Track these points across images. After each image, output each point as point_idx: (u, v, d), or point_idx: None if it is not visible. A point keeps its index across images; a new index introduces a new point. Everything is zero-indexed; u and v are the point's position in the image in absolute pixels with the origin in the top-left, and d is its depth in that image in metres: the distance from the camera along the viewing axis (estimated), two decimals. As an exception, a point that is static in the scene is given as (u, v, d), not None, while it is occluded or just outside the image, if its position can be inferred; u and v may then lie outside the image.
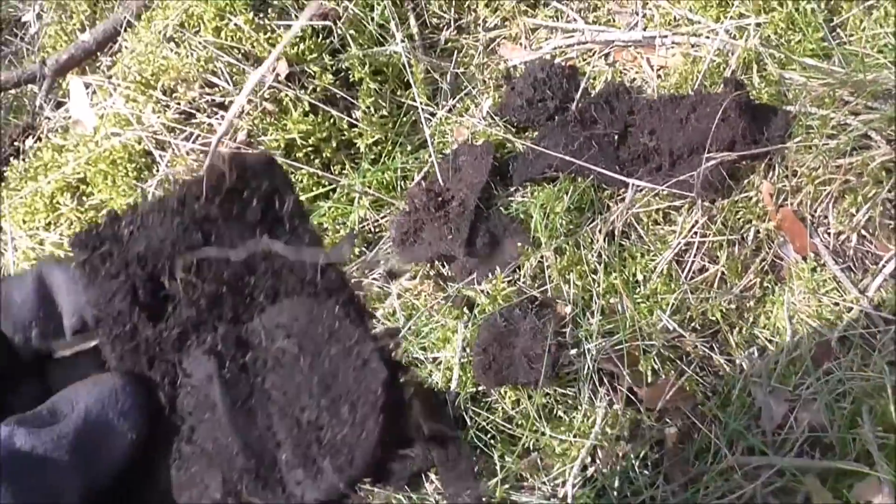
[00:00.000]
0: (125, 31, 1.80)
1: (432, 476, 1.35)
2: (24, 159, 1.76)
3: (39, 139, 1.78)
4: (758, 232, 1.51)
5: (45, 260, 0.51)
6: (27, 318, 0.49)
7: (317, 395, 0.47)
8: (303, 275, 0.51)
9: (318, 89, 1.62)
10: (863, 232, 1.49)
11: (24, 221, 1.67)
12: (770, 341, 1.48)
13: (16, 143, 1.78)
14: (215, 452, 0.47)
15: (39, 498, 0.42)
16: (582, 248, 1.52)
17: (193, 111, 1.62)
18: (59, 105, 1.82)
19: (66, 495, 0.43)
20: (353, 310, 0.50)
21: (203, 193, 0.51)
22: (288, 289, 0.51)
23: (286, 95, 1.60)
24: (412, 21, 1.76)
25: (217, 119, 1.60)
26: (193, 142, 1.62)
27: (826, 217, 1.50)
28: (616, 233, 1.54)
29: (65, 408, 0.45)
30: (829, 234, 1.50)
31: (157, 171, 1.63)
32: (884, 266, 1.47)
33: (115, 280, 0.49)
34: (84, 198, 1.68)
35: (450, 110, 1.71)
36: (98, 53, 1.83)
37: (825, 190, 1.48)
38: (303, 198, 1.62)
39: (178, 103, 1.61)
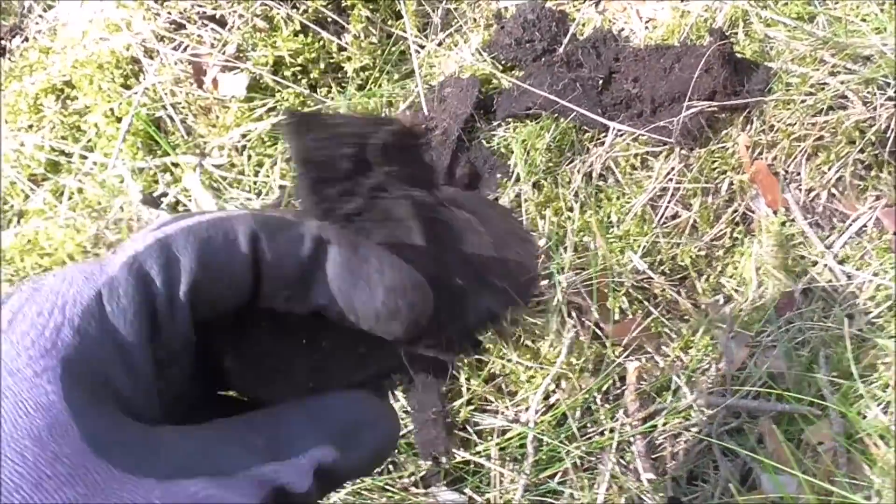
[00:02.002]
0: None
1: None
2: (9, 59, 1.74)
3: (27, 39, 1.77)
4: (731, 183, 1.54)
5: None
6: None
7: (491, 250, 0.55)
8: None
9: (310, 10, 1.62)
10: (833, 190, 1.53)
11: (7, 122, 1.66)
12: (736, 290, 1.51)
13: (2, 42, 1.76)
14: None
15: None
16: (559, 185, 1.54)
17: (184, 21, 1.62)
18: (48, 7, 1.80)
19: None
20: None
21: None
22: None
23: (277, 13, 1.60)
24: (407, -46, 1.77)
25: (207, 31, 1.60)
26: (182, 52, 1.62)
27: (799, 173, 1.54)
28: (594, 174, 1.56)
29: (366, 430, 0.45)
30: (800, 189, 1.54)
31: (144, 78, 1.62)
32: (850, 224, 1.51)
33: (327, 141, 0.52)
34: (68, 101, 1.67)
35: (439, 44, 1.72)
36: (90, -39, 1.82)
37: (799, 146, 1.51)
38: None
39: (169, 12, 1.61)
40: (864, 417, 1.32)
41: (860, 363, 1.37)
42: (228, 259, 0.41)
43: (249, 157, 1.62)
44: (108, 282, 0.38)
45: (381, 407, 0.46)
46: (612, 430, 1.39)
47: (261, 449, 0.39)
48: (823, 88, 1.50)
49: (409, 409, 1.38)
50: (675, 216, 1.55)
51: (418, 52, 1.68)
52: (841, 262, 1.48)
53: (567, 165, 1.56)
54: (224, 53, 1.59)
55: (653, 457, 1.39)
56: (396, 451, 0.41)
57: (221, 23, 1.63)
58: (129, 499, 0.33)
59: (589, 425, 1.40)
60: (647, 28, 1.70)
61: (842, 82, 1.49)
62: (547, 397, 1.42)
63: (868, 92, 1.49)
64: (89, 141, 1.65)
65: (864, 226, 1.50)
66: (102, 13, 1.63)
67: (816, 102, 1.49)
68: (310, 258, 0.43)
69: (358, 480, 1.34)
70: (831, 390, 1.34)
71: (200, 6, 1.60)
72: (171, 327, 0.39)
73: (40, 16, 1.77)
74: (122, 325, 0.37)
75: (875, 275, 1.44)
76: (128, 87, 1.63)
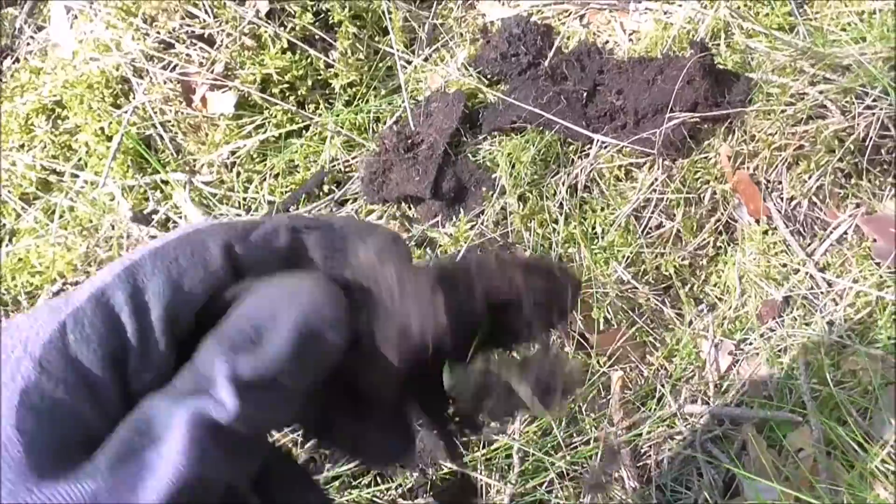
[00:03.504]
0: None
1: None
2: (1, 80, 1.77)
3: (18, 60, 1.80)
4: (714, 193, 1.56)
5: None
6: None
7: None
8: None
9: (297, 28, 1.65)
10: (814, 198, 1.55)
11: (-2, 142, 1.69)
12: (720, 298, 1.53)
13: (-6, 63, 1.79)
14: None
15: (266, 421, 0.40)
16: (545, 198, 1.56)
17: (173, 41, 1.64)
18: (39, 29, 1.83)
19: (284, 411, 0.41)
20: None
21: None
22: None
23: (265, 31, 1.63)
24: (394, -30, 1.80)
25: (196, 50, 1.63)
26: (171, 71, 1.64)
27: (780, 182, 1.56)
28: (579, 186, 1.58)
29: (268, 323, 0.39)
30: (781, 198, 1.56)
31: (134, 97, 1.65)
32: (831, 232, 1.53)
33: None
34: (59, 121, 1.70)
35: (426, 59, 1.75)
36: (81, -20, 1.85)
37: (780, 155, 1.53)
38: (275, 134, 1.66)
39: (158, 32, 1.64)
40: (844, 423, 1.34)
41: (840, 370, 1.39)
42: (202, 274, 0.41)
43: (238, 173, 1.65)
44: (73, 312, 0.39)
45: (289, 286, 0.41)
46: (596, 440, 1.41)
47: (187, 394, 0.38)
48: (803, 98, 1.52)
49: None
50: (658, 226, 1.57)
51: (405, 68, 1.70)
52: (822, 270, 1.50)
53: (552, 178, 1.58)
54: (212, 72, 1.61)
55: (637, 465, 1.41)
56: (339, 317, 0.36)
57: (210, 42, 1.65)
58: (59, 497, 0.35)
59: (575, 434, 1.42)
60: (630, 40, 1.73)
61: (821, 92, 1.51)
62: (533, 407, 1.44)
63: (847, 101, 1.51)
64: (80, 160, 1.67)
65: (845, 233, 1.52)
66: (92, 34, 1.66)
67: (796, 112, 1.51)
68: (289, 248, 0.44)
69: (345, 490, 1.36)
70: (811, 397, 1.36)
71: (189, 25, 1.63)
72: (147, 354, 0.40)
73: (31, 37, 1.80)
74: (86, 355, 0.38)
75: (855, 281, 1.46)
76: (118, 107, 1.66)
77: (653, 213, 1.56)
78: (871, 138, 1.49)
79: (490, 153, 1.61)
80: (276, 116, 1.65)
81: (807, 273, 1.50)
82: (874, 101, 1.48)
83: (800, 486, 1.28)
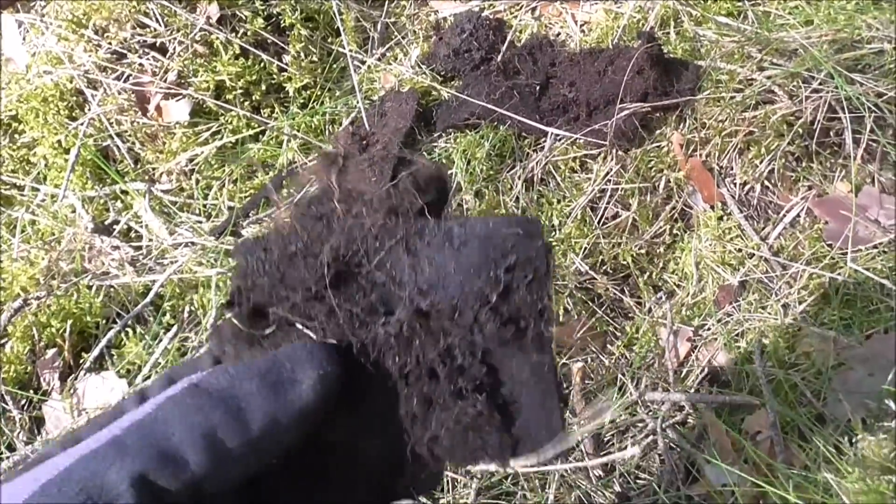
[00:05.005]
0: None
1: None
2: (-45, 96, 1.77)
3: (-30, 76, 1.80)
4: (668, 181, 1.58)
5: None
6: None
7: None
8: None
9: (249, 33, 1.65)
10: (766, 183, 1.57)
11: (-45, 158, 1.69)
12: (678, 285, 1.55)
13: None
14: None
15: (224, 414, 0.45)
16: (501, 192, 1.57)
17: (125, 51, 1.65)
18: (-9, 44, 1.83)
19: (252, 413, 0.46)
20: None
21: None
22: None
23: (217, 38, 1.63)
24: (345, -30, 1.80)
25: (148, 59, 1.63)
26: (125, 81, 1.65)
27: (732, 168, 1.57)
28: (535, 179, 1.59)
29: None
30: (735, 184, 1.57)
31: (89, 109, 1.65)
32: (784, 215, 1.55)
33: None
34: (16, 135, 1.70)
35: (379, 58, 1.75)
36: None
37: (731, 142, 1.55)
38: (232, 140, 1.66)
39: (110, 43, 1.64)
40: (799, 406, 1.36)
41: (794, 352, 1.41)
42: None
43: (198, 180, 1.65)
44: None
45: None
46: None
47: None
48: (751, 84, 1.54)
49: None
50: (615, 216, 1.58)
51: (358, 69, 1.71)
52: (776, 254, 1.52)
53: (508, 172, 1.60)
54: (166, 80, 1.62)
55: (601, 454, 1.43)
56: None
57: (162, 50, 1.65)
58: None
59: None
60: (582, 31, 1.74)
61: (768, 77, 1.52)
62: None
63: (794, 86, 1.52)
64: (39, 173, 1.68)
65: (798, 216, 1.54)
66: (44, 46, 1.66)
67: (745, 98, 1.53)
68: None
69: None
70: (766, 381, 1.38)
71: (140, 35, 1.63)
72: None
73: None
74: None
75: (808, 264, 1.48)
76: (73, 119, 1.66)
77: (608, 203, 1.58)
78: (819, 121, 1.51)
79: (445, 150, 1.62)
80: (231, 122, 1.65)
81: (761, 257, 1.52)
82: (820, 84, 1.50)
83: (758, 468, 1.30)
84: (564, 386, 0.49)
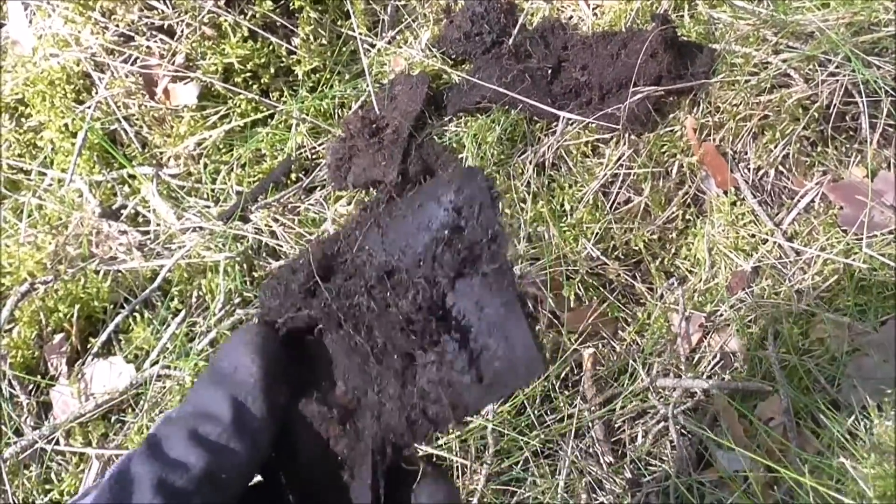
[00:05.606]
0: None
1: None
2: (-40, 79, 1.76)
3: (-24, 59, 1.78)
4: (681, 166, 1.56)
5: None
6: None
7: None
8: None
9: (258, 15, 1.63)
10: (780, 167, 1.55)
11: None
12: (690, 271, 1.54)
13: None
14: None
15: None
16: (512, 177, 1.56)
17: (132, 34, 1.63)
18: (-3, 26, 1.81)
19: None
20: None
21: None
22: None
23: (225, 20, 1.61)
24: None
25: (156, 42, 1.61)
26: (132, 64, 1.63)
27: (746, 153, 1.56)
28: (546, 164, 1.58)
29: None
30: (748, 169, 1.56)
31: (96, 92, 1.64)
32: (798, 200, 1.53)
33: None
34: (23, 119, 1.69)
35: (389, 42, 1.74)
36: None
37: (745, 126, 1.53)
38: (240, 123, 1.65)
39: (117, 25, 1.62)
40: (815, 391, 1.35)
41: (808, 338, 1.40)
42: None
43: (205, 165, 1.64)
44: None
45: None
46: (570, 417, 1.42)
47: None
48: (766, 67, 1.52)
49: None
50: (627, 201, 1.57)
51: (368, 52, 1.69)
52: (790, 239, 1.51)
53: (519, 157, 1.58)
54: (174, 63, 1.60)
55: (612, 440, 1.42)
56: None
57: (170, 33, 1.64)
58: None
59: (548, 412, 1.43)
60: (594, 14, 1.72)
61: (784, 60, 1.50)
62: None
63: (810, 69, 1.50)
64: (46, 157, 1.66)
65: (812, 201, 1.53)
66: (51, 29, 1.64)
67: (760, 82, 1.51)
68: None
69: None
70: (779, 367, 1.37)
71: (148, 17, 1.61)
72: None
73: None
74: None
75: (822, 249, 1.46)
76: (80, 102, 1.64)
77: (620, 188, 1.56)
78: (835, 105, 1.49)
79: (456, 134, 1.61)
80: (240, 106, 1.64)
81: (775, 242, 1.51)
82: (837, 67, 1.48)
83: (771, 454, 1.29)
84: (529, 305, 0.54)
